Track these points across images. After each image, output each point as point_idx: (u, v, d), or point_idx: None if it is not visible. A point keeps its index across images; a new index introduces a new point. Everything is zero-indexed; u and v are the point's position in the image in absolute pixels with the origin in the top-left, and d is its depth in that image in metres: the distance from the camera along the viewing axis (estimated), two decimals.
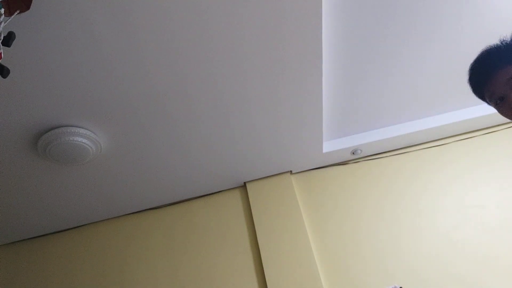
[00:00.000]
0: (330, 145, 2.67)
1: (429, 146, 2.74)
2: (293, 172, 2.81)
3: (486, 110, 2.63)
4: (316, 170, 2.80)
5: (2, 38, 0.90)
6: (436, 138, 2.74)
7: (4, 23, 0.92)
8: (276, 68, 1.91)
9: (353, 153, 2.73)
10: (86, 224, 2.85)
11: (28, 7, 1.08)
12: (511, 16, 2.10)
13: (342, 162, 2.80)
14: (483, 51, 1.20)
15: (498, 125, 2.72)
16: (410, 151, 2.75)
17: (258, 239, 2.55)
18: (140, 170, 2.41)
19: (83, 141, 2.02)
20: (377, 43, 2.10)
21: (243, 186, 2.82)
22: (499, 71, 1.12)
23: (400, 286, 2.19)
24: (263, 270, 2.44)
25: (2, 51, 0.91)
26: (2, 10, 0.91)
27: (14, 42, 0.97)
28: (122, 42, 1.63)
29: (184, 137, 2.23)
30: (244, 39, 1.74)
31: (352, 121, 2.59)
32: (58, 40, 1.55)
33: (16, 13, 0.95)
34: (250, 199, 2.72)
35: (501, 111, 1.17)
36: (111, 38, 1.60)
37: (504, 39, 1.17)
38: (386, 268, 2.38)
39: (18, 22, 1.37)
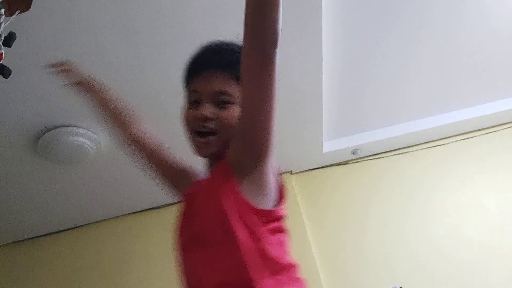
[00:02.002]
0: (330, 145, 2.66)
1: (429, 146, 2.74)
2: (293, 172, 2.80)
3: (486, 110, 2.63)
4: (316, 170, 2.80)
5: (3, 38, 0.90)
6: (436, 138, 2.74)
7: (5, 23, 0.92)
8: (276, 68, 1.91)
9: (353, 153, 2.73)
10: (86, 224, 2.85)
11: (28, 7, 1.08)
12: (509, 9, 2.10)
13: (342, 162, 2.79)
14: (212, 43, 1.03)
15: (498, 125, 2.72)
16: (410, 151, 2.75)
17: None
18: (140, 170, 2.40)
19: (83, 141, 2.02)
20: (377, 43, 2.10)
21: None
22: (215, 69, 0.96)
23: (400, 286, 2.20)
24: None
25: (3, 51, 0.91)
26: (3, 11, 0.91)
27: (14, 42, 0.97)
28: (122, 42, 1.63)
29: (184, 137, 2.23)
30: None
31: (352, 121, 2.59)
32: (58, 40, 1.55)
33: (16, 13, 0.95)
34: None
35: (185, 113, 1.00)
36: (111, 37, 1.60)
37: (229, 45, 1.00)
38: (386, 268, 2.38)
39: (18, 22, 1.37)
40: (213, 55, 0.99)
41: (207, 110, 0.94)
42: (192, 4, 1.56)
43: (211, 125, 0.94)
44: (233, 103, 0.94)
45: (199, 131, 0.96)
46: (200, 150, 0.98)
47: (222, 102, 0.94)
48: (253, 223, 0.86)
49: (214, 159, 0.98)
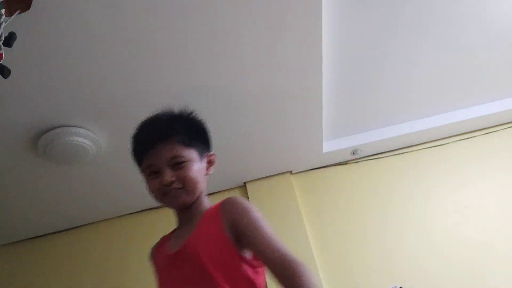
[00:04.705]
0: (330, 145, 2.66)
1: (429, 146, 2.74)
2: (293, 172, 2.80)
3: (486, 110, 2.63)
4: (316, 170, 2.80)
5: (3, 38, 0.90)
6: (436, 138, 2.74)
7: (5, 23, 0.92)
8: (276, 68, 1.91)
9: (353, 153, 2.73)
10: (86, 224, 2.85)
11: (28, 7, 1.08)
12: (509, 9, 2.09)
13: (342, 162, 2.80)
14: (145, 121, 1.22)
15: (498, 125, 2.72)
16: (410, 151, 2.75)
17: None
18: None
19: (83, 141, 2.02)
20: (377, 43, 2.10)
21: (243, 186, 2.81)
22: (160, 142, 1.13)
23: (400, 286, 2.20)
24: None
25: (3, 51, 0.91)
26: (3, 11, 0.92)
27: (14, 42, 0.97)
28: (122, 42, 1.63)
29: None
30: (244, 40, 1.74)
31: (352, 121, 2.59)
32: (58, 40, 1.55)
33: (16, 13, 0.95)
34: (250, 199, 2.72)
35: (150, 184, 1.16)
36: (111, 37, 1.60)
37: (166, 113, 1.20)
38: (386, 268, 2.38)
39: (18, 22, 1.37)
40: (155, 130, 1.16)
41: (169, 175, 1.11)
42: (193, 5, 1.56)
43: (175, 185, 1.12)
44: (186, 161, 1.13)
45: (167, 193, 1.12)
46: (173, 202, 1.15)
47: (177, 164, 1.12)
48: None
49: (187, 209, 1.18)
